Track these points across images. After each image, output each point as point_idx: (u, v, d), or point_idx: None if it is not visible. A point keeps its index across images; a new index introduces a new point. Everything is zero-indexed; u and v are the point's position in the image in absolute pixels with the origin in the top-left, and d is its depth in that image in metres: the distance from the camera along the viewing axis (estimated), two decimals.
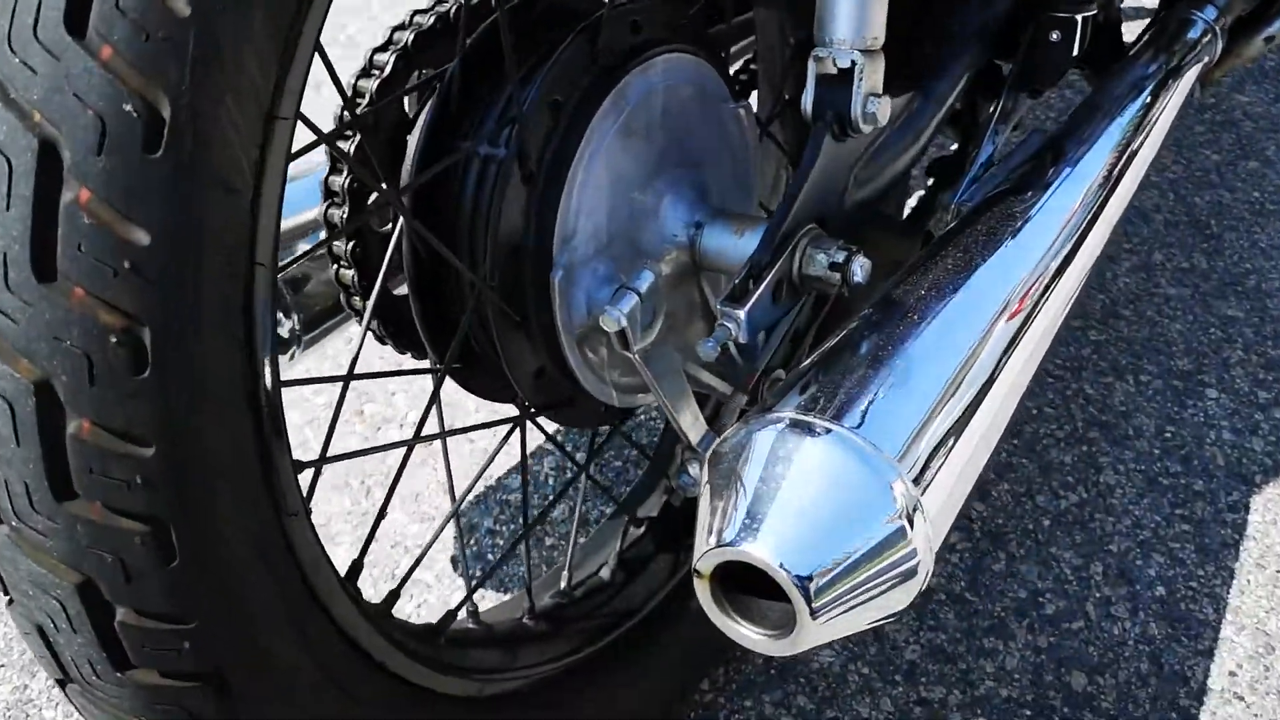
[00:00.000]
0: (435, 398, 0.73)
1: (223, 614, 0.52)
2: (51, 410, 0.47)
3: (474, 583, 0.88)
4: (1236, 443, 1.25)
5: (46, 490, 0.48)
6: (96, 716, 0.54)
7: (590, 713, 0.85)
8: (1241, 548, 1.14)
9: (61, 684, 0.55)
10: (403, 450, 0.73)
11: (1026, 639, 1.05)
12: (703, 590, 0.60)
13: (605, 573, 0.92)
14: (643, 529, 0.96)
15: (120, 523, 0.48)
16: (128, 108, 0.44)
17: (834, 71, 0.70)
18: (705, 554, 0.59)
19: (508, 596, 1.05)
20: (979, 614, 1.07)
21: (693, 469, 0.76)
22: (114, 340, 0.46)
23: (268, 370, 0.52)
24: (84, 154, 0.44)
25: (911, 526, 0.60)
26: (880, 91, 0.71)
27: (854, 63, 0.69)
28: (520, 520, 1.14)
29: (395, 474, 0.72)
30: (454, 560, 1.15)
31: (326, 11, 0.52)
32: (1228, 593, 1.10)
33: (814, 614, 0.57)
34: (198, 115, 0.46)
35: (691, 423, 0.74)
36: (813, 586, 0.57)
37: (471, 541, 1.17)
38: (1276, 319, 1.41)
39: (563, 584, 0.90)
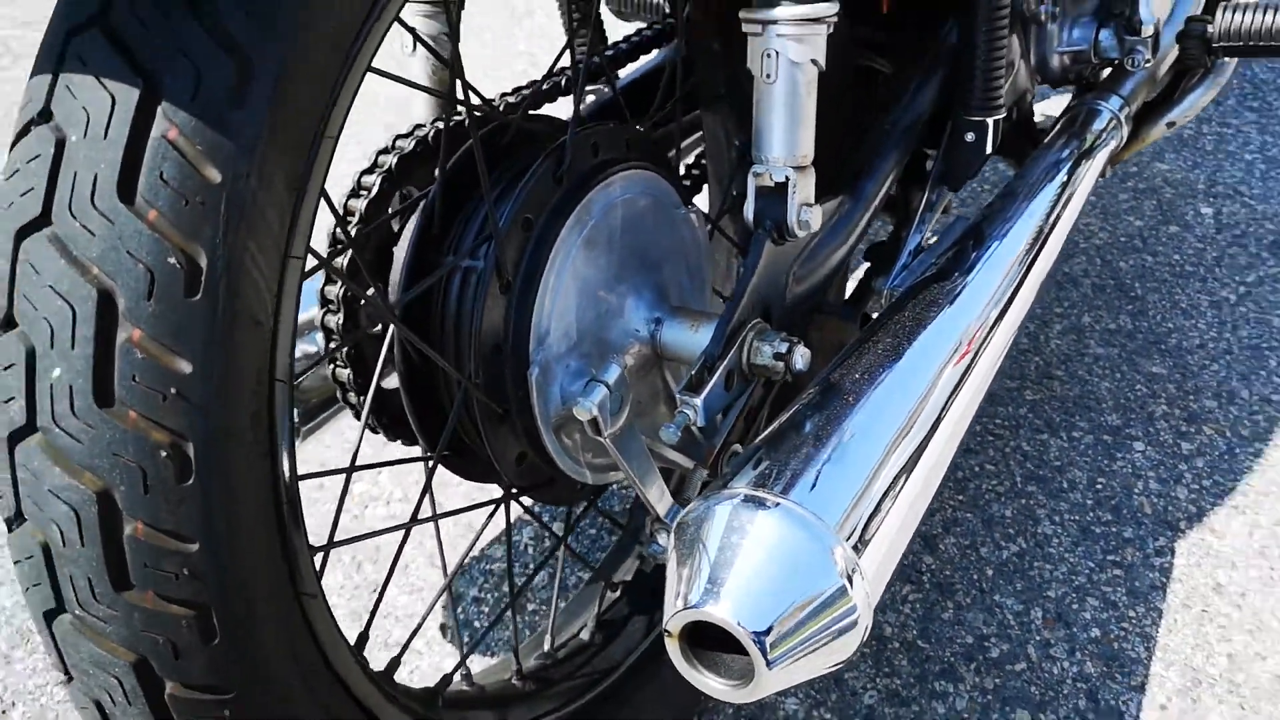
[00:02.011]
0: (429, 484, 0.81)
1: (256, 684, 0.60)
2: (111, 515, 0.54)
3: (466, 649, 0.95)
4: (1162, 491, 1.35)
5: (107, 583, 0.55)
6: None
7: None
8: (1169, 590, 1.23)
9: None
10: (399, 530, 0.80)
11: (974, 681, 1.13)
12: (673, 648, 0.68)
13: (585, 634, 1.00)
14: (619, 593, 1.04)
15: (170, 609, 0.56)
16: (172, 260, 0.52)
17: (771, 185, 0.79)
18: (674, 615, 0.67)
19: (496, 660, 1.12)
20: (930, 659, 1.15)
21: (661, 538, 0.84)
22: (164, 454, 0.54)
23: (287, 470, 0.60)
24: (136, 300, 0.52)
25: (851, 585, 0.68)
26: (812, 201, 0.80)
27: (787, 178, 0.79)
28: (506, 588, 1.22)
29: (395, 555, 0.79)
30: (443, 628, 1.22)
31: (330, 163, 0.61)
32: (1157, 632, 1.19)
33: (769, 664, 0.65)
34: (230, 264, 0.54)
35: (659, 497, 0.82)
36: (768, 641, 0.65)
37: (460, 610, 1.24)
38: (1197, 374, 1.52)
39: (546, 646, 0.97)
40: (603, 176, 0.81)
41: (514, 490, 0.85)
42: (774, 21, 0.75)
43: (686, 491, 0.86)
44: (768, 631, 0.66)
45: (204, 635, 0.57)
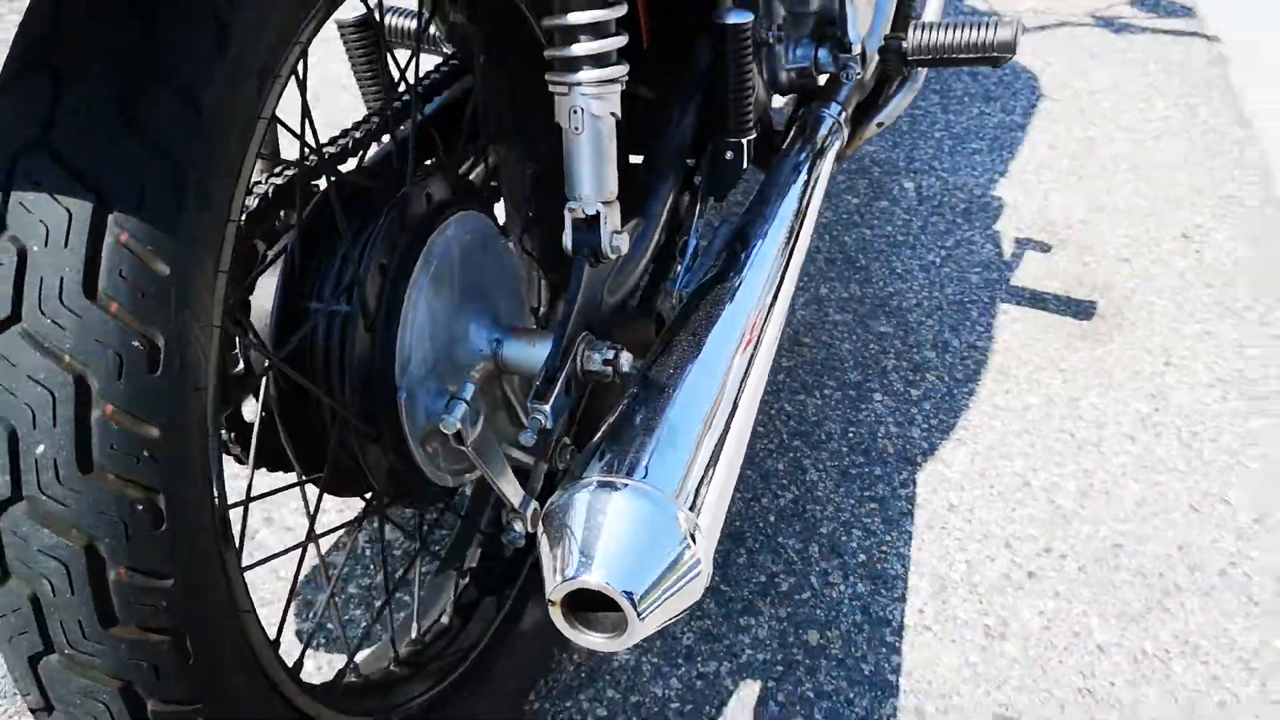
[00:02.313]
0: (318, 506, 0.92)
1: (219, 692, 0.70)
2: (97, 564, 0.63)
3: (353, 646, 1.06)
4: (900, 433, 1.59)
5: (95, 623, 0.64)
6: None
7: None
8: (914, 514, 1.47)
9: None
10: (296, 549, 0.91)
11: (771, 612, 1.33)
12: (556, 615, 0.82)
13: (445, 619, 1.12)
14: (468, 578, 1.17)
15: (151, 637, 0.65)
16: (135, 344, 0.62)
17: (584, 217, 0.94)
18: (556, 587, 0.81)
19: (376, 651, 1.23)
20: (733, 600, 1.35)
21: (517, 525, 0.98)
22: (140, 508, 0.63)
23: (217, 500, 0.70)
24: (108, 381, 0.62)
25: (694, 542, 0.84)
26: (620, 228, 0.96)
27: (599, 212, 0.94)
28: (384, 588, 1.32)
29: (295, 573, 0.90)
30: (331, 629, 1.31)
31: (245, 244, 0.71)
32: (909, 550, 1.42)
33: (640, 616, 0.81)
34: (181, 342, 0.64)
35: (513, 491, 0.96)
36: (635, 596, 0.81)
37: (346, 612, 1.33)
38: (916, 330, 1.78)
39: (414, 633, 1.09)
40: (440, 220, 0.93)
41: (386, 500, 0.96)
42: (578, 84, 0.89)
43: (530, 484, 1.00)
44: (634, 589, 0.81)
45: (180, 656, 0.67)
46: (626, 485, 0.86)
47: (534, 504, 0.97)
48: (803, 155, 1.36)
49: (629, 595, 0.80)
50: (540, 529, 0.85)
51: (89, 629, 0.64)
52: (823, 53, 1.41)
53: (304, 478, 0.94)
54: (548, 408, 0.90)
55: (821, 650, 1.29)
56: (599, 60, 0.89)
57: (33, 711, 0.70)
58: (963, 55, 1.38)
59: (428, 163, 1.14)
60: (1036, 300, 1.85)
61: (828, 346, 1.74)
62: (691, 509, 0.86)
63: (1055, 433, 1.60)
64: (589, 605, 0.83)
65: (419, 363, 0.91)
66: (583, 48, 0.88)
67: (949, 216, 2.05)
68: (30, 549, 0.63)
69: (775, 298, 1.11)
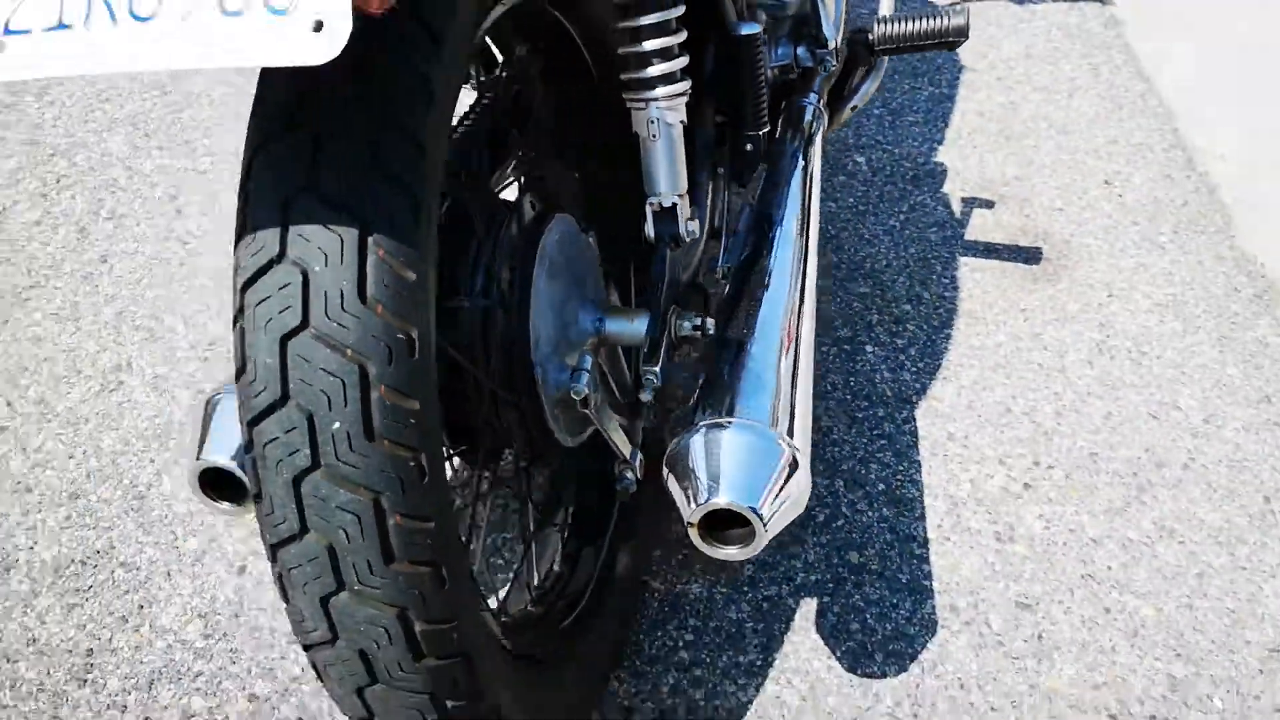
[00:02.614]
0: (528, 480, 1.08)
1: (464, 615, 0.87)
2: (380, 513, 0.80)
3: (507, 587, 1.24)
4: (894, 378, 1.80)
5: (380, 561, 0.80)
6: (402, 705, 0.87)
7: (580, 653, 1.22)
8: (919, 446, 1.68)
9: (365, 687, 0.87)
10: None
11: (814, 540, 1.53)
12: (695, 535, 1.00)
13: (556, 567, 1.30)
14: (567, 534, 1.34)
15: (420, 570, 0.82)
16: (400, 337, 0.79)
17: (663, 209, 1.12)
18: (693, 511, 0.99)
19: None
20: (780, 533, 1.54)
21: (628, 474, 1.16)
22: (410, 465, 0.80)
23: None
24: (381, 367, 0.78)
25: (797, 460, 1.03)
26: (692, 216, 1.14)
27: (675, 204, 1.12)
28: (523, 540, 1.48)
29: (469, 528, 1.07)
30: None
31: None
32: (920, 476, 1.63)
33: (765, 525, 0.99)
34: (426, 333, 0.81)
35: (624, 444, 1.14)
36: (759, 509, 0.99)
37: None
38: (891, 287, 1.99)
39: (536, 580, 1.27)
40: (547, 223, 1.11)
41: (523, 464, 1.13)
42: (654, 99, 1.07)
43: (631, 437, 1.18)
44: (757, 504, 1.00)
45: (439, 583, 0.84)
46: (732, 423, 1.04)
47: (639, 454, 1.15)
48: (795, 142, 1.55)
49: (754, 510, 0.99)
50: (665, 471, 1.04)
51: (375, 567, 0.81)
52: (801, 50, 1.61)
53: (451, 451, 1.10)
54: (658, 369, 1.09)
55: (862, 567, 1.49)
56: (669, 79, 1.07)
57: (313, 646, 0.86)
58: (923, 43, 1.59)
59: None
60: (989, 251, 2.08)
61: (818, 309, 1.94)
62: (789, 434, 1.05)
63: (1025, 364, 1.83)
64: (720, 525, 1.01)
65: (545, 342, 1.08)
66: (656, 70, 1.06)
67: (900, 185, 2.26)
68: (329, 506, 0.79)
69: (805, 261, 1.30)
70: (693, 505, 0.99)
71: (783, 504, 1.01)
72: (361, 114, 0.79)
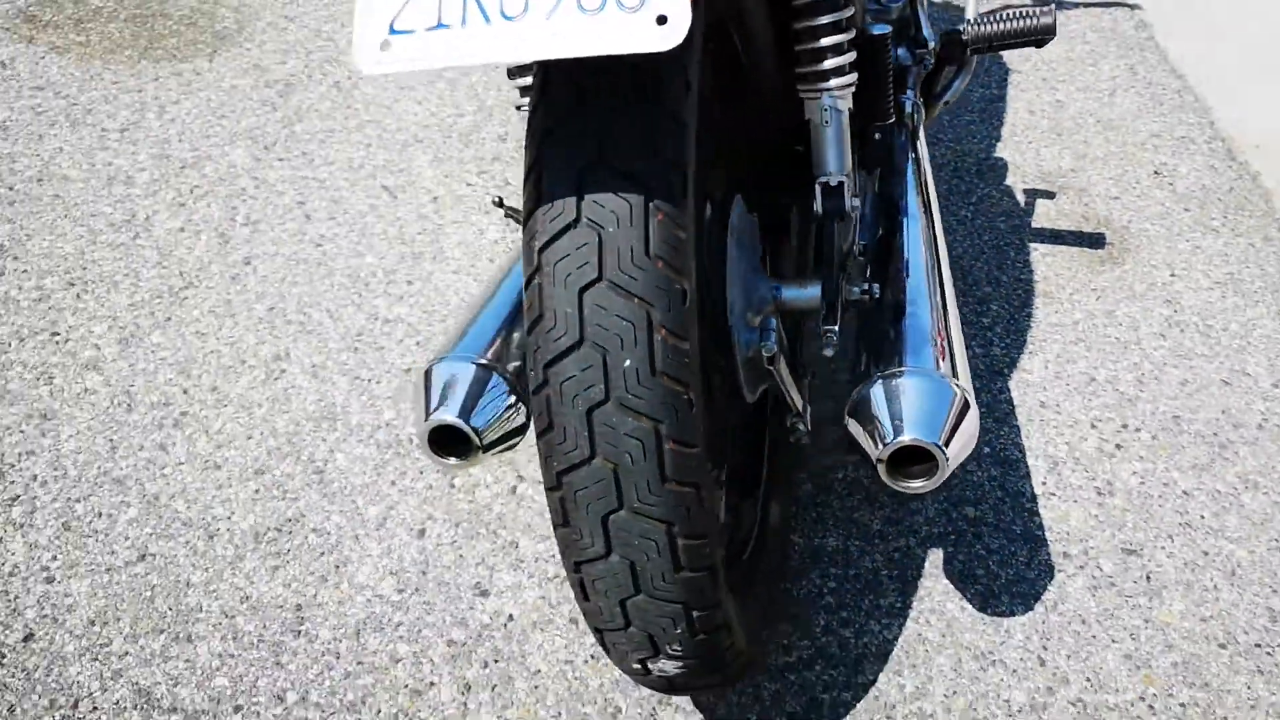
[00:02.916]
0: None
1: (716, 533, 1.00)
2: (658, 439, 0.93)
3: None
4: (984, 353, 1.94)
5: (658, 480, 0.94)
6: (659, 614, 1.00)
7: (748, 601, 1.35)
8: (1016, 413, 1.82)
9: (628, 598, 1.00)
10: None
11: (931, 498, 1.67)
12: (883, 472, 1.14)
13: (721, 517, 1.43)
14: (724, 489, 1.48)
15: (685, 490, 0.95)
16: (678, 287, 0.92)
17: (832, 186, 1.26)
18: (883, 450, 1.13)
19: None
20: (892, 493, 1.67)
21: (800, 425, 1.30)
22: (683, 398, 0.93)
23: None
24: (663, 313, 0.92)
25: (968, 403, 1.17)
26: (854, 193, 1.28)
27: (842, 182, 1.26)
28: None
29: None
30: None
31: None
32: (1020, 440, 1.77)
33: (947, 459, 1.13)
34: (699, 284, 0.94)
35: (797, 398, 1.28)
36: (944, 443, 1.13)
37: None
38: (972, 271, 2.13)
39: None
40: (731, 205, 1.25)
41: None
42: (828, 89, 1.22)
43: (801, 393, 1.32)
44: (939, 439, 1.14)
45: (700, 502, 0.97)
46: (906, 371, 1.18)
47: (809, 407, 1.29)
48: (903, 134, 1.70)
49: (937, 445, 1.13)
50: (848, 418, 1.17)
51: (653, 486, 0.94)
52: (902, 51, 1.75)
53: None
54: (837, 329, 1.23)
55: (979, 520, 1.63)
56: (840, 71, 1.21)
57: (586, 562, 0.99)
58: (1013, 41, 1.74)
59: None
60: (1056, 237, 2.22)
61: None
62: (954, 376, 1.19)
63: (1102, 338, 1.97)
64: (903, 462, 1.15)
65: (738, 308, 1.22)
66: (830, 63, 1.20)
67: (966, 178, 2.41)
68: (617, 433, 0.92)
69: (935, 233, 1.45)
70: (880, 445, 1.13)
71: (960, 439, 1.15)
72: (639, 99, 0.92)
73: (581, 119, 0.92)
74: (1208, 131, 2.57)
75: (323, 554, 1.49)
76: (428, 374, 1.22)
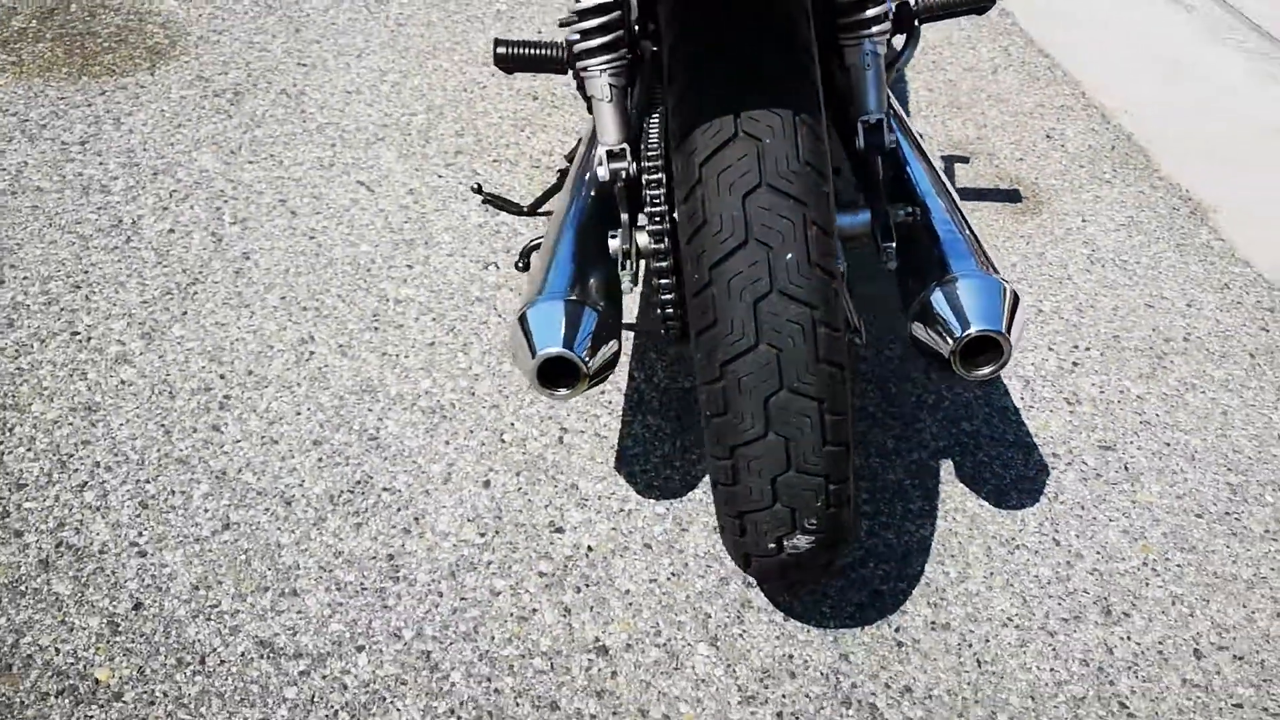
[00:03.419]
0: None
1: (848, 409, 1.14)
2: (816, 325, 1.06)
3: None
4: None
5: (813, 363, 1.07)
6: (803, 486, 1.13)
7: None
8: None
9: (779, 475, 1.13)
10: None
11: (929, 417, 1.84)
12: (956, 364, 1.30)
13: None
14: None
15: (833, 370, 1.09)
16: (823, 189, 1.06)
17: (874, 123, 1.42)
18: (955, 344, 1.29)
19: None
20: (902, 415, 1.85)
21: (858, 339, 1.45)
22: (831, 285, 1.07)
23: None
24: (815, 210, 1.05)
25: (1017, 295, 1.34)
26: (892, 130, 1.45)
27: (882, 119, 1.42)
28: None
29: None
30: None
31: None
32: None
33: (1010, 346, 1.30)
34: (831, 186, 1.09)
35: (854, 314, 1.43)
36: (1006, 330, 1.30)
37: None
38: None
39: None
40: None
41: None
42: (870, 35, 1.38)
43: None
44: (1001, 327, 1.31)
45: (843, 381, 1.11)
46: (959, 276, 1.35)
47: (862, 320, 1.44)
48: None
49: (1001, 332, 1.30)
50: (914, 324, 1.33)
51: (810, 368, 1.07)
52: None
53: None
54: (894, 245, 1.39)
55: (976, 433, 1.82)
56: (878, 19, 1.38)
57: (746, 444, 1.11)
58: (957, 9, 1.95)
59: None
60: (980, 195, 2.45)
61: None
62: (997, 273, 1.36)
63: (1039, 276, 2.20)
64: (971, 354, 1.32)
65: None
66: (873, 11, 1.37)
67: None
68: (781, 320, 1.06)
69: (932, 161, 1.63)
70: (950, 341, 1.29)
71: (1018, 325, 1.32)
72: (775, 33, 1.06)
73: (731, 48, 1.06)
74: (1082, 100, 2.87)
75: (399, 509, 1.56)
76: (523, 319, 1.32)
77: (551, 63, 2.00)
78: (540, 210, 2.13)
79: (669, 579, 1.51)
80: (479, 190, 2.12)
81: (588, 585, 1.49)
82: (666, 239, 1.33)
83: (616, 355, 1.32)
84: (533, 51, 1.96)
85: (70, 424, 1.63)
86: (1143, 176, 2.54)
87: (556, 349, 1.28)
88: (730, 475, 1.16)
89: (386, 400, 1.74)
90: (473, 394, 1.77)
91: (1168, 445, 1.80)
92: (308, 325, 1.86)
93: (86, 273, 1.93)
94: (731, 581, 1.51)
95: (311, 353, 1.81)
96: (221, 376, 1.75)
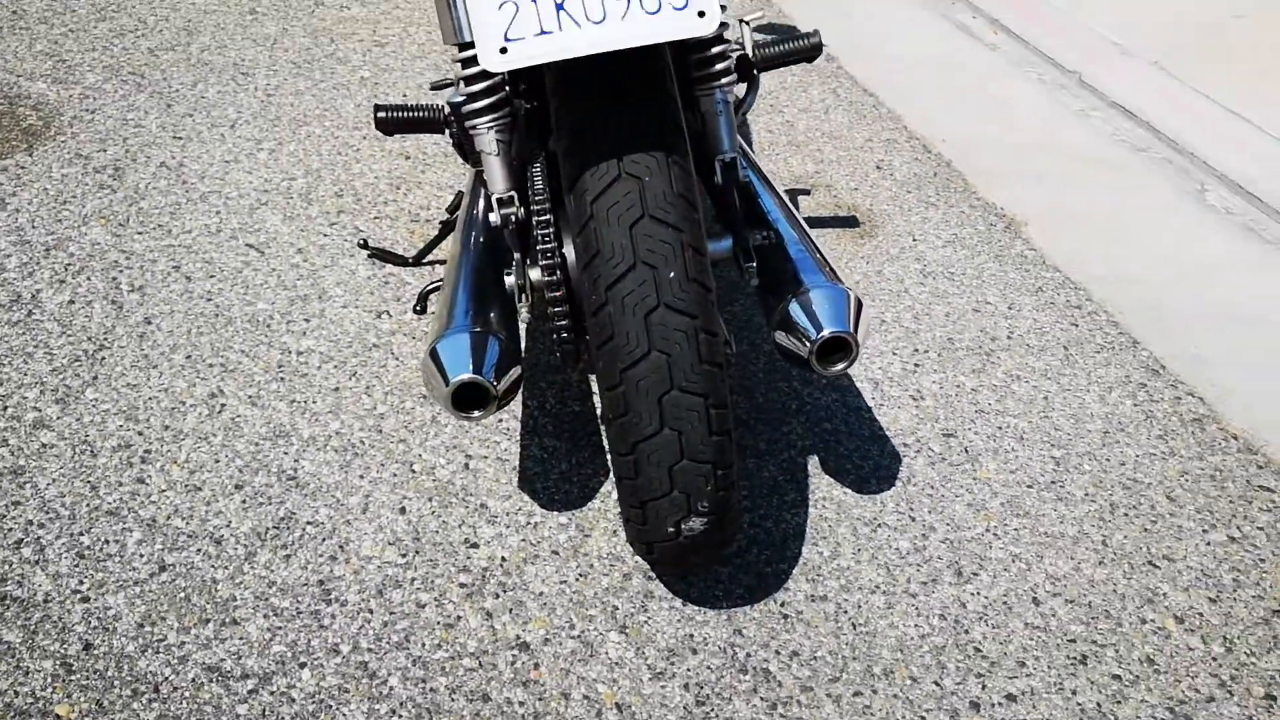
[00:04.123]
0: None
1: (726, 397, 1.33)
2: (696, 332, 1.25)
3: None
4: None
5: (698, 364, 1.25)
6: (696, 474, 1.31)
7: None
8: None
9: (674, 465, 1.30)
10: None
11: (796, 421, 2.05)
12: (815, 363, 1.51)
13: None
14: None
15: (715, 370, 1.27)
16: (695, 215, 1.25)
17: (728, 161, 1.63)
18: (812, 347, 1.50)
19: None
20: (774, 419, 2.05)
21: (729, 348, 1.65)
22: (708, 296, 1.26)
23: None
24: (690, 235, 1.24)
25: (860, 300, 1.56)
26: (745, 165, 1.65)
27: (735, 158, 1.63)
28: None
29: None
30: None
31: None
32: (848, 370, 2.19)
33: (858, 344, 1.51)
34: (702, 222, 1.28)
35: (723, 328, 1.63)
36: (854, 331, 1.51)
37: None
38: None
39: None
40: None
41: None
42: (720, 85, 1.59)
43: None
44: (849, 328, 1.52)
45: (721, 378, 1.29)
46: (810, 288, 1.56)
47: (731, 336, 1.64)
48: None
49: (849, 333, 1.51)
50: (776, 334, 1.54)
51: (695, 368, 1.26)
52: None
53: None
54: (755, 264, 1.59)
55: (836, 431, 2.03)
56: (726, 71, 1.59)
57: (644, 440, 1.29)
58: (791, 59, 2.19)
59: None
60: (823, 223, 2.70)
61: (719, 277, 2.49)
62: (841, 283, 1.58)
63: (880, 291, 2.45)
64: (826, 354, 1.52)
65: None
66: (720, 65, 1.58)
67: None
68: (667, 328, 1.24)
69: (776, 188, 1.85)
70: (808, 343, 1.50)
71: (863, 326, 1.53)
72: (649, 86, 1.25)
73: (610, 105, 1.24)
74: (905, 133, 3.16)
75: (324, 539, 1.69)
76: (434, 352, 1.47)
77: (430, 123, 2.17)
78: (424, 260, 2.28)
79: (578, 579, 1.67)
80: (365, 245, 2.27)
81: (505, 591, 1.64)
82: (558, 271, 1.50)
83: (520, 378, 1.48)
84: (411, 114, 2.13)
85: None
86: (963, 198, 2.83)
87: (468, 374, 1.43)
88: (633, 469, 1.33)
89: (300, 443, 1.86)
90: (380, 431, 1.91)
91: (999, 429, 2.05)
92: (215, 380, 1.97)
93: None
94: (634, 576, 1.68)
95: (223, 405, 1.92)
96: (139, 433, 1.84)
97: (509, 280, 1.61)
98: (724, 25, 1.57)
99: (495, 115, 1.59)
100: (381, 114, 2.18)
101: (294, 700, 1.45)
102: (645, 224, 1.22)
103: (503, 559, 1.69)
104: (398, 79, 3.13)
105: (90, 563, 1.61)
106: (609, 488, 1.83)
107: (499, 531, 1.73)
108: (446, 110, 2.18)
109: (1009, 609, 1.68)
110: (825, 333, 1.48)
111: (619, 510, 1.77)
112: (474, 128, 1.59)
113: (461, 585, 1.64)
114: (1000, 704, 1.53)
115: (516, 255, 1.60)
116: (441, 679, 1.50)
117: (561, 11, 1.13)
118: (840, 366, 1.50)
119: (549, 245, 1.52)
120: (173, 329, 2.08)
